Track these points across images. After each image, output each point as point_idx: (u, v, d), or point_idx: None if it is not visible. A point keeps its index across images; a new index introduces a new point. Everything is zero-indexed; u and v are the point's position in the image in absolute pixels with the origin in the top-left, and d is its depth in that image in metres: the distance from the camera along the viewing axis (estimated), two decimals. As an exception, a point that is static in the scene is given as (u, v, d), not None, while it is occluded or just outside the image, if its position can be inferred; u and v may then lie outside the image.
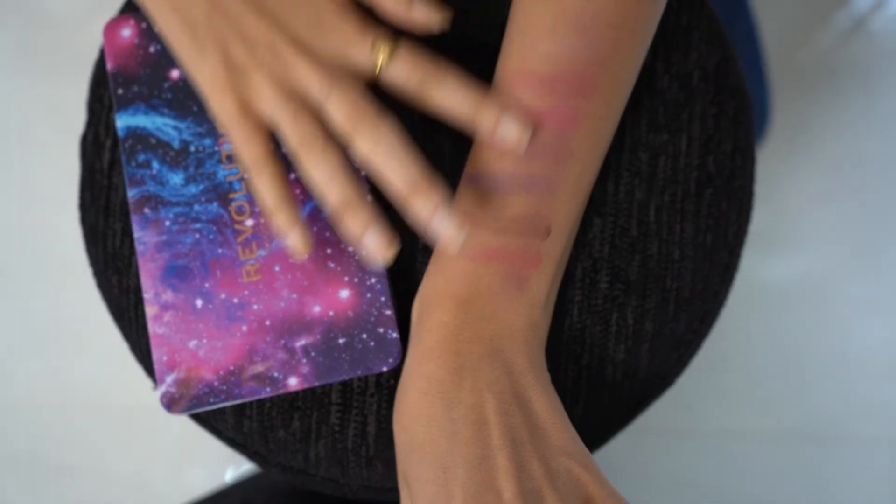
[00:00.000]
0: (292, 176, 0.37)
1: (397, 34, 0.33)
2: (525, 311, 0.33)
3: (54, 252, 0.97)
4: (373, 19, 0.34)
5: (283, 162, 0.34)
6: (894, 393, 0.93)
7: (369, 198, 0.37)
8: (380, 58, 0.33)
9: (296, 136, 0.33)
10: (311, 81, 0.32)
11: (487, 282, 0.33)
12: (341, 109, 0.32)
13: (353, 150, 0.33)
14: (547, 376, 0.34)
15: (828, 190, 0.96)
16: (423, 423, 0.32)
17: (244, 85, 0.33)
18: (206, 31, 0.33)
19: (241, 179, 0.38)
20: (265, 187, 0.33)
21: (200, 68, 0.34)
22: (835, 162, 0.96)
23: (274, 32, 0.33)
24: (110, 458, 0.95)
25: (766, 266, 0.95)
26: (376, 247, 0.32)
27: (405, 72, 0.33)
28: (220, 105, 0.34)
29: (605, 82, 0.34)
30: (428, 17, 0.33)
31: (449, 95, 0.33)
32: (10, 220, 0.98)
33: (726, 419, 0.93)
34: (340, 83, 0.32)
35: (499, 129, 0.32)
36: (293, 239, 0.33)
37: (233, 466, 0.94)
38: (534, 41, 0.33)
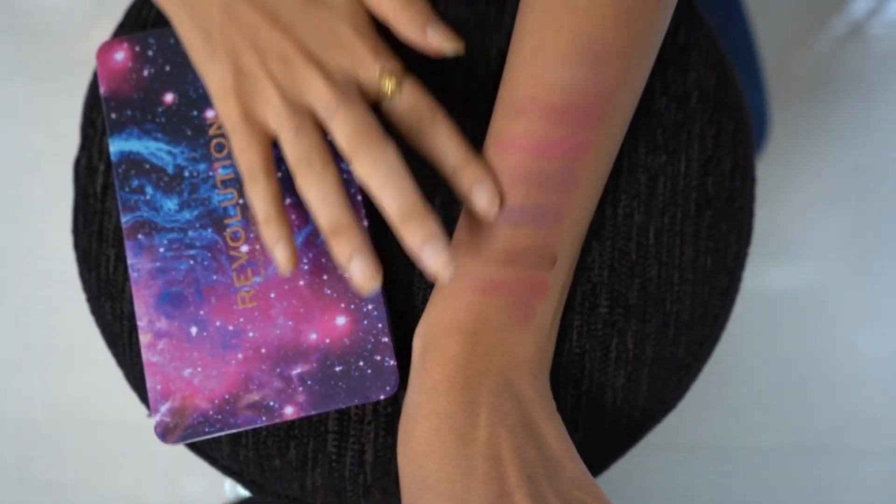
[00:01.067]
0: (288, 201, 0.37)
1: (405, 71, 0.34)
2: (532, 341, 0.33)
3: (49, 267, 0.97)
4: (387, 48, 0.34)
5: (280, 179, 0.35)
6: (895, 404, 0.93)
7: (364, 223, 0.36)
8: (387, 85, 0.33)
9: (296, 151, 0.33)
10: (320, 96, 0.32)
11: (494, 313, 0.33)
12: (346, 127, 0.32)
13: (352, 170, 0.33)
14: (553, 405, 0.33)
15: (826, 197, 0.96)
16: (435, 459, 0.31)
17: (251, 92, 0.33)
18: (218, 38, 0.33)
19: (237, 205, 0.37)
20: (257, 198, 0.33)
21: (210, 71, 0.34)
22: (833, 169, 0.96)
23: (287, 43, 0.33)
24: (107, 473, 0.94)
25: (764, 276, 0.95)
26: (360, 275, 0.32)
27: (406, 106, 0.33)
28: (225, 109, 0.34)
29: (611, 111, 0.33)
30: (441, 44, 0.33)
31: (440, 143, 0.33)
32: (3, 234, 0.97)
33: (727, 433, 0.93)
34: (348, 101, 0.32)
35: (473, 192, 0.33)
36: (278, 254, 0.33)
37: (231, 480, 0.93)
38: (544, 69, 0.33)
